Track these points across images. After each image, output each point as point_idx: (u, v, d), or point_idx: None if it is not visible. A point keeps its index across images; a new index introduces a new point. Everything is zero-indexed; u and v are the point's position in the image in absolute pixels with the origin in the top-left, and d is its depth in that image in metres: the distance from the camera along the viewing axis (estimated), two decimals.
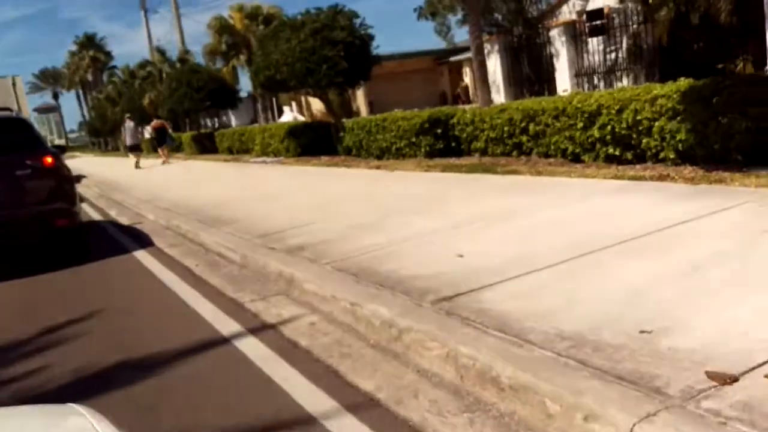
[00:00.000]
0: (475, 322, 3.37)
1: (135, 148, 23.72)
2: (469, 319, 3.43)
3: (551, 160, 8.92)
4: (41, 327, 4.99)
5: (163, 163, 23.14)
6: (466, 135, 10.90)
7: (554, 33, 18.23)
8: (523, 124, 9.42)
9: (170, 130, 26.54)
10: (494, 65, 18.46)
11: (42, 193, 7.30)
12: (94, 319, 5.08)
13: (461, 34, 28.23)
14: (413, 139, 11.81)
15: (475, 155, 10.72)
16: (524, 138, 9.47)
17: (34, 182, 7.27)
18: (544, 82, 18.54)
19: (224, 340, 4.20)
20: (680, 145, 7.00)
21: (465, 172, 9.11)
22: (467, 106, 13.05)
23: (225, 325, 4.48)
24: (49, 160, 7.36)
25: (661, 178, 6.60)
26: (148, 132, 27.44)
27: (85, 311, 5.29)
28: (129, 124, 24.23)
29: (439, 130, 11.43)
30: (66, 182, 7.62)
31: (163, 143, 24.44)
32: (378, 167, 11.55)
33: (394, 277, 4.41)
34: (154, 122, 25.73)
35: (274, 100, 34.73)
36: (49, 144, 9.29)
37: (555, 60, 17.99)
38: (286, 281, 5.10)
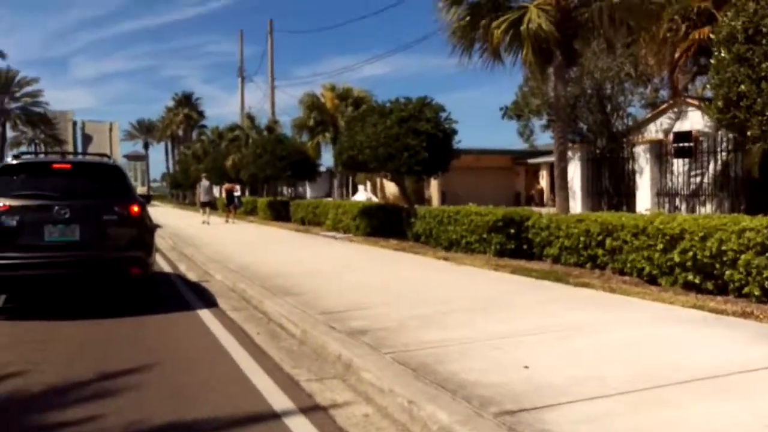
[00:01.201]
0: None
1: (207, 205, 26.04)
2: None
3: (626, 278, 8.68)
4: (99, 372, 5.07)
5: (226, 221, 25.43)
6: (540, 239, 10.79)
7: (639, 150, 18.16)
8: (600, 237, 9.26)
9: (238, 194, 28.96)
10: (573, 173, 18.41)
11: (123, 240, 7.59)
12: (151, 372, 5.13)
13: (542, 138, 28.59)
14: (484, 236, 11.77)
15: (546, 261, 10.56)
16: (600, 251, 9.29)
17: (118, 228, 7.58)
18: (623, 196, 18.33)
19: (276, 417, 4.14)
20: (767, 282, 6.70)
21: (536, 277, 8.95)
22: (542, 210, 12.97)
23: (279, 401, 4.42)
24: (135, 209, 7.70)
25: (744, 314, 6.28)
26: (219, 192, 30.06)
27: (142, 363, 5.35)
28: (204, 182, 27.12)
29: (512, 230, 11.38)
30: (146, 233, 7.92)
31: (230, 204, 27.24)
32: (446, 258, 11.51)
33: (455, 380, 4.29)
34: (227, 185, 28.69)
35: (350, 177, 35.60)
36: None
37: (637, 176, 17.83)
38: (344, 365, 5.04)
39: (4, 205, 7.14)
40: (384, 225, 16.55)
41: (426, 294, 8.00)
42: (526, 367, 4.57)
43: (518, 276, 9.22)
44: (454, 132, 15.04)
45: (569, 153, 17.76)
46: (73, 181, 7.81)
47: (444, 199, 34.36)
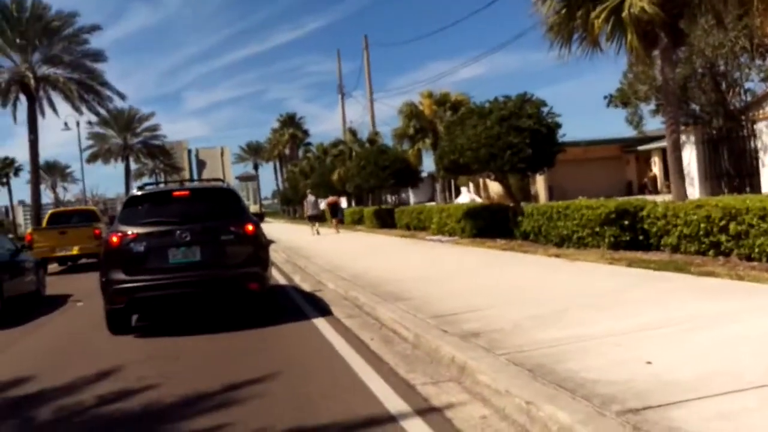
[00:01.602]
0: None
1: (314, 218, 27.86)
2: None
3: (754, 263, 8.09)
4: (225, 383, 5.33)
5: (337, 232, 26.89)
6: (656, 229, 10.28)
7: (761, 126, 16.93)
8: (722, 223, 8.69)
9: (340, 206, 31.61)
10: (689, 157, 17.45)
11: (240, 258, 7.96)
12: (273, 382, 5.33)
13: (652, 123, 27.23)
14: (597, 229, 11.35)
15: (664, 251, 10.04)
16: (723, 237, 8.72)
17: (235, 247, 7.97)
18: (746, 177, 17.15)
19: (393, 420, 4.18)
20: None
21: (654, 269, 8.52)
22: (657, 198, 12.35)
23: (395, 405, 4.47)
24: (250, 228, 8.06)
25: None
26: (324, 205, 32.57)
27: (265, 373, 5.57)
28: (310, 198, 29.38)
29: (626, 222, 10.91)
30: (262, 249, 8.26)
31: (335, 216, 29.26)
32: (557, 255, 11.20)
33: (574, 379, 4.16)
34: (330, 198, 31.81)
35: (452, 180, 35.48)
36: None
37: (761, 154, 16.61)
38: (459, 368, 5.01)
39: (133, 233, 7.69)
40: (490, 225, 16.33)
41: (539, 293, 7.82)
42: (649, 362, 4.36)
43: (635, 268, 8.82)
44: (558, 126, 14.62)
45: (683, 136, 16.88)
46: (192, 206, 8.30)
47: (551, 194, 33.46)
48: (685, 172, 12.97)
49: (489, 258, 12.40)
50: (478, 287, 8.72)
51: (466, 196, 35.52)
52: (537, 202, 32.25)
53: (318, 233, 25.92)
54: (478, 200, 33.32)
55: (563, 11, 12.09)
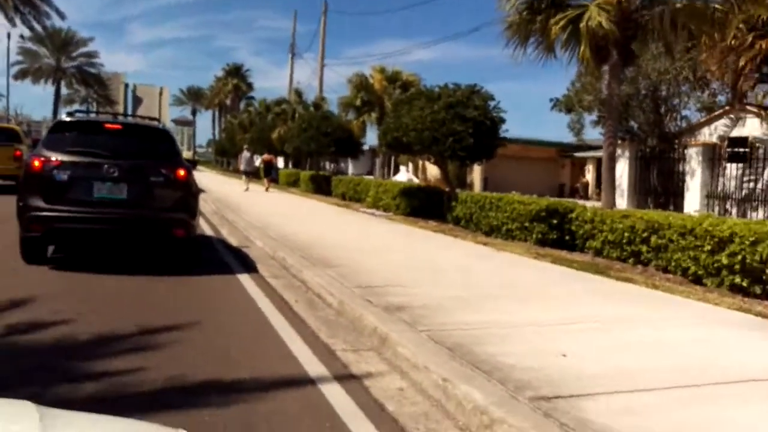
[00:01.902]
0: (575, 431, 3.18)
1: (248, 174, 28.37)
2: (568, 426, 3.24)
3: (669, 276, 8.52)
4: (141, 325, 5.20)
5: (266, 190, 27.03)
6: (583, 232, 10.65)
7: (691, 151, 17.77)
8: (645, 234, 9.09)
9: (276, 165, 31.86)
10: (621, 170, 18.14)
11: (168, 202, 7.72)
12: (191, 331, 5.24)
13: (591, 132, 28.10)
14: (526, 224, 11.66)
15: (588, 253, 10.43)
16: (644, 248, 9.13)
17: (164, 190, 7.72)
18: (671, 196, 17.99)
19: (311, 383, 4.19)
20: None
21: (576, 268, 8.84)
22: (587, 203, 12.79)
23: (314, 368, 4.48)
24: (181, 173, 7.81)
25: None
26: (259, 162, 32.60)
27: (184, 321, 5.47)
28: (246, 153, 29.92)
29: (554, 221, 11.25)
30: (191, 196, 8.03)
31: (268, 175, 29.15)
32: (485, 244, 11.44)
33: (491, 362, 4.28)
34: (265, 156, 31.17)
35: (392, 157, 35.57)
36: None
37: (687, 177, 17.47)
38: (380, 339, 5.06)
39: (57, 160, 7.32)
40: (424, 206, 16.52)
41: (465, 277, 7.97)
42: (564, 355, 4.53)
43: (559, 266, 9.12)
44: (502, 121, 14.90)
45: (618, 150, 17.51)
46: (123, 141, 7.96)
47: (486, 185, 34.06)
48: (617, 183, 13.47)
49: (419, 237, 12.54)
50: (406, 264, 8.81)
51: (404, 175, 35.68)
52: (471, 190, 32.80)
53: (248, 189, 26.23)
54: (416, 180, 33.54)
55: (524, 12, 12.27)
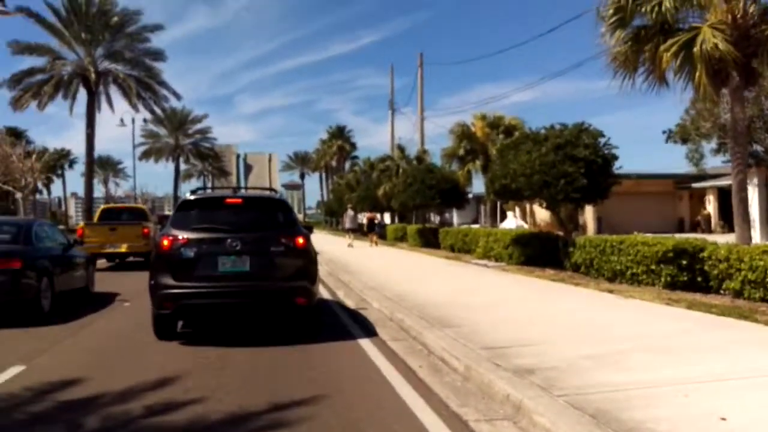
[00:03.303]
0: None
1: (352, 231, 31.71)
2: None
3: None
4: (271, 402, 5.20)
5: (370, 245, 29.52)
6: (718, 272, 9.87)
7: None
8: None
9: (380, 221, 35.58)
10: (750, 200, 16.83)
11: (289, 271, 7.86)
12: (319, 404, 5.17)
13: (712, 161, 26.52)
14: (653, 267, 10.99)
15: (725, 295, 9.64)
16: None
17: (285, 259, 7.87)
18: None
19: None
20: None
21: (716, 313, 8.15)
22: (710, 238, 11.90)
23: None
24: (300, 240, 7.97)
25: None
26: (364, 220, 36.18)
27: (311, 394, 5.44)
28: (350, 212, 33.77)
29: (684, 262, 10.53)
30: (311, 263, 8.15)
31: (372, 231, 31.90)
32: (610, 291, 10.84)
33: (641, 430, 3.92)
34: (368, 214, 35.21)
35: (498, 203, 35.08)
36: None
37: None
38: (513, 406, 4.80)
39: (184, 238, 7.67)
40: (539, 254, 16.01)
41: (594, 331, 7.54)
42: (724, 419, 4.09)
43: (696, 311, 8.45)
44: (615, 158, 14.30)
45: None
46: (243, 214, 8.25)
47: (600, 226, 32.78)
48: None
49: (539, 288, 12.09)
50: (529, 319, 8.47)
51: (513, 221, 35.05)
52: (585, 232, 31.62)
53: (351, 245, 28.43)
54: (525, 226, 32.84)
55: (630, 43, 11.83)
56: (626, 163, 15.55)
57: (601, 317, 8.54)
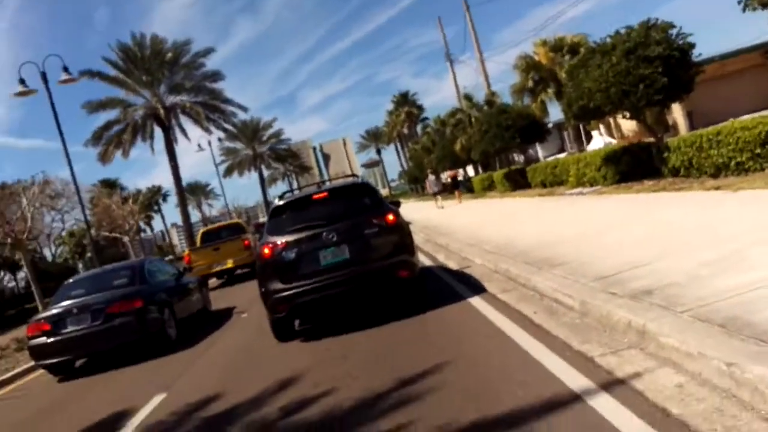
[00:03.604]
0: None
1: (438, 193, 32.28)
2: None
3: None
4: (398, 378, 5.31)
5: (459, 202, 30.20)
6: None
7: None
8: None
9: (461, 177, 37.05)
10: None
11: (387, 248, 7.96)
12: (444, 371, 5.23)
13: None
14: (758, 150, 10.30)
15: None
16: None
17: (380, 239, 7.98)
18: None
19: (579, 400, 3.95)
20: None
21: None
22: None
23: (577, 382, 4.23)
24: (391, 218, 8.05)
25: None
26: (444, 179, 37.70)
27: (434, 362, 5.50)
28: (431, 177, 35.07)
29: None
30: (406, 236, 8.22)
31: (456, 188, 33.26)
32: (716, 188, 10.27)
33: None
34: (449, 172, 36.51)
35: (581, 126, 33.84)
36: None
37: None
38: (637, 333, 4.66)
39: (282, 242, 7.92)
40: (633, 168, 15.38)
41: (707, 234, 7.16)
42: None
43: None
44: (692, 46, 13.37)
45: None
46: (332, 206, 8.40)
47: (692, 121, 30.98)
48: None
49: (640, 203, 11.62)
50: (636, 238, 8.15)
51: (600, 141, 33.73)
52: (677, 132, 30.00)
53: (442, 207, 29.08)
54: (613, 142, 31.56)
55: None
56: (704, 48, 14.51)
57: (712, 218, 8.12)
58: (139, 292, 10.48)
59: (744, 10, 21.00)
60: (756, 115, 11.34)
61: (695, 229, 7.71)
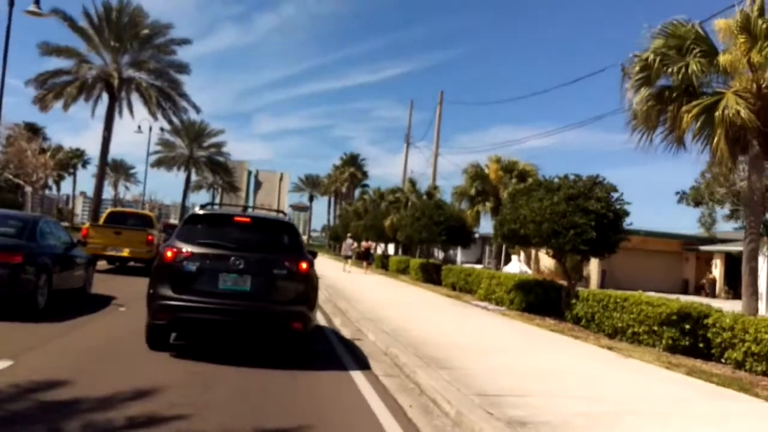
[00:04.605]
0: None
1: (348, 257, 35.29)
2: None
3: None
4: (255, 426, 5.10)
5: (365, 272, 32.08)
6: (721, 340, 9.71)
7: None
8: None
9: (372, 252, 38.39)
10: (760, 270, 16.69)
11: (289, 295, 7.78)
12: None
13: (723, 226, 26.39)
14: (655, 328, 10.86)
15: (727, 364, 9.47)
16: None
17: (286, 283, 7.80)
18: None
19: None
20: None
21: (716, 383, 7.97)
22: (714, 303, 11.77)
23: None
24: (304, 266, 7.90)
25: None
26: (360, 247, 39.15)
27: (297, 423, 5.32)
28: (348, 240, 37.02)
29: (687, 326, 10.42)
30: (312, 290, 8.06)
31: (366, 259, 34.94)
32: (609, 348, 10.67)
33: None
34: (365, 243, 37.80)
35: (504, 246, 34.99)
36: None
37: None
38: None
39: (188, 251, 7.62)
40: (540, 302, 15.89)
41: (590, 388, 7.39)
42: None
43: (695, 379, 8.28)
44: (626, 213, 14.24)
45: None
46: (250, 234, 8.20)
47: (603, 279, 32.58)
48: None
49: (537, 337, 11.92)
50: (525, 369, 8.32)
51: (516, 265, 34.92)
52: (588, 284, 31.41)
53: (349, 271, 31.79)
54: (528, 271, 32.68)
55: (652, 102, 11.86)
56: (636, 220, 15.41)
57: (598, 375, 8.39)
58: (22, 247, 9.80)
59: (679, 201, 22.53)
60: (662, 295, 11.98)
61: (580, 379, 7.92)
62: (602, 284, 31.20)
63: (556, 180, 15.11)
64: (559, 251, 14.81)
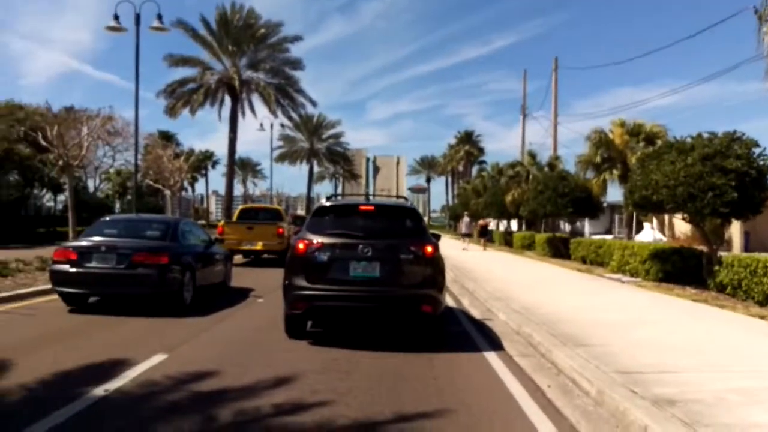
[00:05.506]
0: None
1: (466, 236, 36.77)
2: None
3: None
4: (397, 411, 5.20)
5: (484, 250, 33.07)
6: None
7: None
8: None
9: (491, 228, 40.43)
10: None
11: (417, 278, 7.89)
12: (445, 419, 5.08)
13: None
14: None
15: None
16: None
17: (413, 267, 7.91)
18: None
19: None
20: None
21: None
22: None
23: None
24: (429, 249, 7.97)
25: None
26: (477, 226, 39.79)
27: (436, 407, 5.38)
28: (466, 219, 38.28)
29: None
30: (439, 272, 8.12)
31: (483, 236, 35.71)
32: (761, 316, 9.93)
33: None
34: (481, 221, 38.92)
35: (635, 214, 33.33)
36: None
37: None
38: None
39: (318, 242, 7.90)
40: (679, 271, 15.03)
41: (745, 361, 6.90)
42: None
43: None
44: None
45: None
46: (376, 221, 8.37)
47: (747, 241, 30.22)
48: None
49: (678, 309, 11.29)
50: (669, 343, 7.90)
51: (649, 233, 33.15)
52: (730, 248, 29.28)
53: (466, 249, 32.57)
54: (663, 239, 30.98)
55: None
56: None
57: (751, 347, 7.83)
58: (167, 248, 10.57)
59: None
60: None
61: (732, 352, 7.44)
62: (746, 248, 28.92)
63: (689, 140, 14.12)
64: (697, 215, 13.87)
